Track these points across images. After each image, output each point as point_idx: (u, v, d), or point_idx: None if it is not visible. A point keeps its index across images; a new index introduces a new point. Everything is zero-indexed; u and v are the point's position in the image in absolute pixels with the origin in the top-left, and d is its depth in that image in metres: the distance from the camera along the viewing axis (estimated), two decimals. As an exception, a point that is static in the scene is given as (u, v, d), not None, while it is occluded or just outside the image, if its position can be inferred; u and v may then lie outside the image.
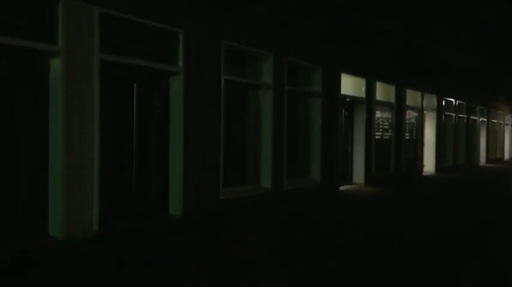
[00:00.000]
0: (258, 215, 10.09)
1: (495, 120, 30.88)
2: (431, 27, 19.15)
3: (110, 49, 7.91)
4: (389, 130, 17.44)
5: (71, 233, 7.27)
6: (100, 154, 7.72)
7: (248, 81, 11.21)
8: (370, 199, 13.18)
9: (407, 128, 18.70)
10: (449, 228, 9.36)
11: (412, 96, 18.97)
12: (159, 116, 9.19)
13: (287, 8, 11.76)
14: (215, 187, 9.90)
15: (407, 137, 18.70)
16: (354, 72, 14.74)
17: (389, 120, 17.42)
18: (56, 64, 7.20)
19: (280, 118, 11.64)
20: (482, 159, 28.15)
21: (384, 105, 16.78)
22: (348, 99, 14.73)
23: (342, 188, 14.21)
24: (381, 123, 16.82)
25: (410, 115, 19.14)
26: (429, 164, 21.00)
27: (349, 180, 15.13)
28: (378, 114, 16.47)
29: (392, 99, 17.44)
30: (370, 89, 15.60)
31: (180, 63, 9.15)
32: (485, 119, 28.33)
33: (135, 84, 8.68)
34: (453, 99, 23.23)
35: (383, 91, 16.59)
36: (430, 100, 20.76)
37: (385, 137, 17.12)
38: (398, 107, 17.71)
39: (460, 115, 24.22)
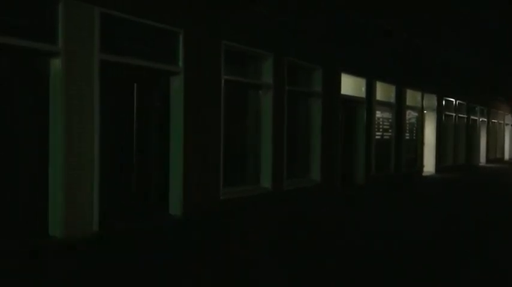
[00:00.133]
0: (258, 215, 10.09)
1: (495, 120, 30.88)
2: (431, 27, 19.15)
3: (110, 49, 7.92)
4: (390, 130, 17.44)
5: (71, 233, 7.27)
6: (100, 154, 7.73)
7: (248, 81, 11.21)
8: (370, 198, 13.18)
9: (407, 128, 18.70)
10: (449, 228, 9.36)
11: (412, 96, 18.97)
12: (159, 116, 9.19)
13: (287, 8, 11.76)
14: (215, 187, 9.90)
15: (407, 137, 18.70)
16: (354, 72, 14.74)
17: (390, 120, 17.42)
18: (56, 64, 7.20)
19: (280, 118, 11.64)
20: (482, 159, 28.14)
21: (384, 105, 16.78)
22: (348, 99, 14.73)
23: (342, 188, 14.20)
24: (381, 123, 16.82)
25: (411, 115, 19.14)
26: (429, 164, 21.00)
27: (349, 180, 15.11)
28: (378, 114, 16.47)
29: (393, 99, 17.44)
30: (370, 89, 15.60)
31: (180, 63, 9.15)
32: (485, 119, 28.33)
33: (135, 84, 8.68)
34: (453, 99, 23.23)
35: (383, 91, 16.59)
36: (430, 100, 20.76)
37: (385, 137, 17.12)
38: (399, 107, 17.71)
39: (460, 115, 24.22)
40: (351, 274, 6.21)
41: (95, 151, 7.63)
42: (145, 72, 8.81)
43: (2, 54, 6.80)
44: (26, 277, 5.79)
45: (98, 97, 7.67)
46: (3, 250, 6.51)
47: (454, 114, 23.49)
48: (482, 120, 27.69)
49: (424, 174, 20.26)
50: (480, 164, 27.29)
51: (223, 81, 10.04)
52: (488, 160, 28.69)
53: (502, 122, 32.54)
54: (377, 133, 16.40)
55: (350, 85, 14.65)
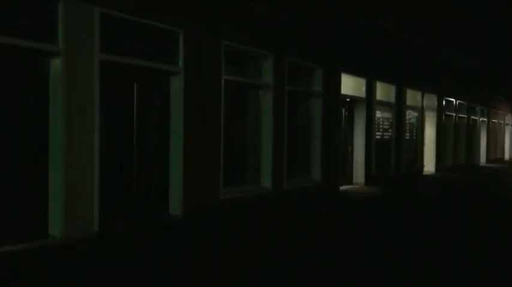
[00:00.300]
0: (258, 215, 10.09)
1: (495, 120, 30.88)
2: (431, 27, 19.15)
3: (110, 49, 7.92)
4: (390, 130, 17.44)
5: (71, 233, 7.27)
6: (100, 154, 7.73)
7: (248, 81, 11.21)
8: (370, 199, 13.18)
9: (407, 128, 18.70)
10: (449, 228, 9.36)
11: (412, 96, 18.97)
12: (159, 116, 9.19)
13: (287, 8, 11.75)
14: (215, 187, 9.90)
15: (407, 137, 18.71)
16: (354, 72, 14.74)
17: (390, 120, 17.42)
18: (56, 64, 7.21)
19: (281, 118, 11.64)
20: (483, 159, 28.15)
21: (384, 105, 16.78)
22: (348, 99, 14.73)
23: (342, 188, 14.21)
24: (381, 123, 16.82)
25: (411, 115, 19.14)
26: (429, 164, 21.01)
27: (349, 180, 15.12)
28: (378, 114, 16.47)
29: (393, 99, 17.44)
30: (370, 89, 15.60)
31: (180, 63, 9.15)
32: (485, 119, 28.34)
33: (135, 84, 8.68)
34: (453, 99, 23.24)
35: (383, 91, 16.59)
36: (430, 100, 20.77)
37: (385, 137, 17.12)
38: (399, 107, 17.71)
39: (460, 115, 24.23)
40: (351, 274, 6.21)
41: (95, 151, 7.62)
42: (145, 72, 8.81)
43: (2, 54, 6.80)
44: (26, 277, 5.79)
45: (98, 97, 7.67)
46: (3, 250, 6.51)
47: (454, 114, 23.50)
48: (482, 120, 27.70)
49: (424, 174, 20.26)
50: (480, 164, 27.29)
51: (223, 81, 10.04)
52: (488, 160, 28.70)
53: (502, 122, 32.54)
54: (377, 133, 16.40)
55: (350, 85, 14.65)
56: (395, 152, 17.55)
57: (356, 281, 5.91)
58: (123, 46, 8.29)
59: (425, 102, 20.09)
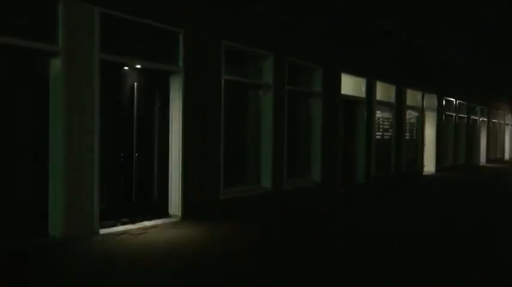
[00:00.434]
0: (258, 215, 10.10)
1: (495, 120, 30.88)
2: (431, 27, 19.15)
3: (110, 49, 7.92)
4: (390, 130, 17.45)
5: (71, 233, 7.27)
6: (100, 154, 7.73)
7: (248, 81, 11.21)
8: (370, 199, 13.18)
9: (407, 128, 18.70)
10: (449, 228, 9.37)
11: (413, 96, 18.97)
12: (159, 116, 9.19)
13: (287, 8, 11.76)
14: (215, 187, 9.90)
15: (407, 137, 18.70)
16: (354, 72, 14.74)
17: (390, 120, 17.43)
18: (56, 64, 7.21)
19: (281, 118, 11.64)
20: (483, 159, 28.15)
21: (384, 105, 16.78)
22: (348, 99, 14.73)
23: (343, 187, 14.21)
24: (381, 123, 16.82)
25: (411, 115, 19.14)
26: (429, 164, 21.01)
27: (349, 180, 15.11)
28: (378, 114, 16.47)
29: (393, 99, 17.44)
30: (370, 89, 15.61)
31: (180, 63, 9.16)
32: (485, 119, 28.34)
33: (135, 84, 8.68)
34: (453, 99, 23.24)
35: (383, 91, 16.59)
36: (431, 100, 20.77)
37: (385, 137, 17.12)
38: (399, 107, 17.71)
39: (460, 115, 24.23)
40: (351, 273, 6.21)
41: (95, 151, 7.62)
42: (145, 72, 8.81)
43: (2, 54, 6.81)
44: (26, 277, 5.79)
45: (98, 97, 7.67)
46: (3, 250, 6.51)
47: (454, 114, 23.50)
48: (482, 120, 27.70)
49: (424, 174, 20.26)
50: (480, 164, 27.30)
51: (223, 81, 10.04)
52: (488, 160, 28.70)
53: (502, 122, 32.54)
54: (377, 133, 16.40)
55: (350, 85, 14.65)
56: (395, 152, 17.56)
57: (356, 281, 5.92)
58: (123, 46, 8.29)
59: (425, 102, 20.09)
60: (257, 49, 11.01)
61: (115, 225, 8.15)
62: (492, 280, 6.14)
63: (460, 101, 23.93)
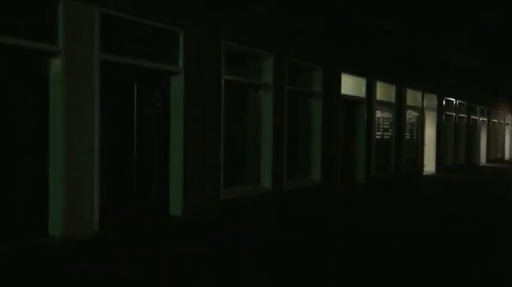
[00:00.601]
0: (258, 215, 10.09)
1: (495, 120, 30.88)
2: (431, 27, 19.14)
3: (110, 49, 7.92)
4: (390, 130, 17.44)
5: (71, 233, 7.27)
6: (100, 154, 7.73)
7: (248, 81, 11.21)
8: (370, 199, 13.18)
9: (407, 128, 18.70)
10: (449, 228, 9.37)
11: (413, 96, 18.97)
12: (159, 116, 9.19)
13: (287, 8, 11.75)
14: (215, 187, 9.90)
15: (407, 137, 18.70)
16: (354, 72, 14.74)
17: (390, 120, 17.42)
18: (56, 64, 7.20)
19: (281, 118, 11.64)
20: (483, 159, 28.14)
21: (384, 105, 16.78)
22: (348, 99, 14.72)
23: (342, 187, 14.21)
24: (381, 123, 16.82)
25: (411, 115, 19.14)
26: (429, 164, 21.00)
27: (349, 180, 15.11)
28: (378, 114, 16.47)
29: (393, 99, 17.44)
30: (370, 89, 15.60)
31: (180, 63, 9.15)
32: (485, 119, 28.33)
33: (135, 84, 8.68)
34: (453, 99, 23.24)
35: (383, 91, 16.59)
36: (431, 100, 20.76)
37: (385, 137, 17.12)
38: (399, 107, 17.71)
39: (460, 115, 24.23)
40: (351, 273, 6.21)
41: (95, 151, 7.62)
42: (145, 72, 8.81)
43: (2, 54, 6.80)
44: (26, 277, 5.79)
45: (98, 97, 7.66)
46: (3, 250, 6.51)
47: (454, 114, 23.50)
48: (482, 120, 27.70)
49: (424, 174, 20.26)
50: (480, 164, 27.29)
51: (223, 81, 10.03)
52: (488, 160, 28.69)
53: (502, 121, 32.54)
54: (377, 133, 16.40)
55: (350, 85, 14.65)
56: (395, 152, 17.55)
57: (356, 281, 5.92)
58: (123, 46, 8.29)
59: (425, 102, 20.09)
60: (257, 49, 11.01)
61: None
62: (492, 280, 6.14)
63: (460, 101, 23.92)
